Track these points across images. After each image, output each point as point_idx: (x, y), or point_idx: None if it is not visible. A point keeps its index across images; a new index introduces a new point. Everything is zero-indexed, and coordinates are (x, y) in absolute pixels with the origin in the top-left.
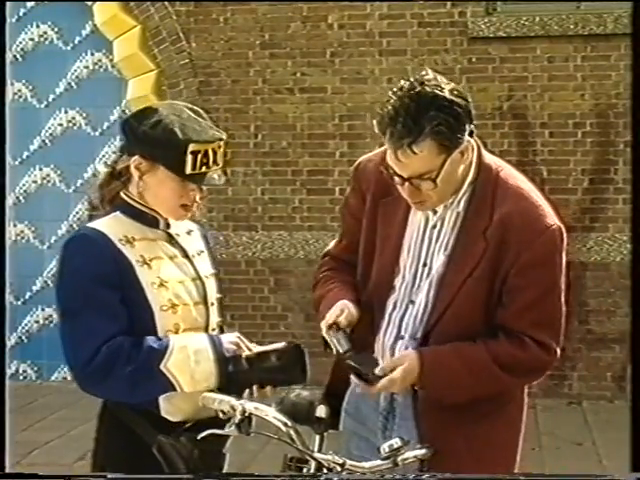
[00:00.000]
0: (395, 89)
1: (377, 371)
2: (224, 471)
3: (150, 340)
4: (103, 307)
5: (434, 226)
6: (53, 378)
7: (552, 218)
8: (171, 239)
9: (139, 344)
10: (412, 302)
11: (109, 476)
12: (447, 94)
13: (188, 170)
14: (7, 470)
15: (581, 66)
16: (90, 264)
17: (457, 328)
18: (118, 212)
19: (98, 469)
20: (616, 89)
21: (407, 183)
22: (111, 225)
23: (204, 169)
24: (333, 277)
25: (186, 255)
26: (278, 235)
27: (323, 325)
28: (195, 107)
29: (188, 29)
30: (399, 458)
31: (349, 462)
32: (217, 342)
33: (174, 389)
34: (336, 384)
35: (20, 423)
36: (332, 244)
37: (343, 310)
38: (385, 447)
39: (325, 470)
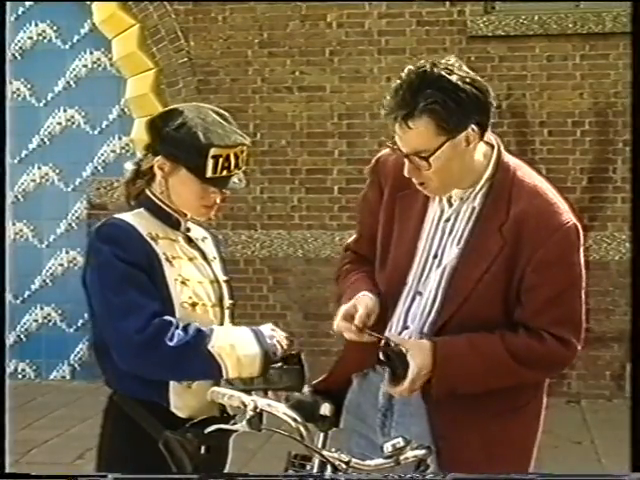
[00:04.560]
0: (412, 67)
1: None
2: (226, 467)
3: (194, 324)
4: (144, 286)
5: (448, 219)
6: (52, 377)
7: (567, 216)
8: (190, 241)
9: (185, 326)
10: (419, 293)
11: (111, 476)
12: (454, 78)
13: (209, 174)
14: (7, 469)
15: (580, 65)
16: (124, 250)
17: (474, 322)
18: (142, 209)
19: (103, 464)
20: (615, 88)
21: (407, 160)
22: (138, 220)
23: (225, 173)
24: (353, 269)
25: (205, 258)
26: (277, 234)
27: (339, 323)
28: (222, 111)
29: (187, 28)
30: (401, 457)
31: (354, 460)
32: (259, 332)
33: (219, 373)
34: (339, 382)
35: (19, 422)
36: (351, 239)
37: (357, 307)
38: (388, 446)
39: (329, 467)
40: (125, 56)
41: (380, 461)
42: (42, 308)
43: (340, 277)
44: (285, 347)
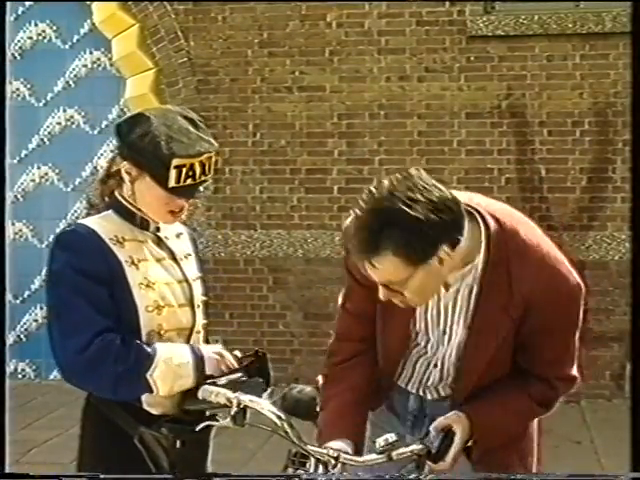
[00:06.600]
0: (370, 193)
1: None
2: (209, 460)
3: (138, 343)
4: (94, 300)
5: (447, 301)
6: (52, 377)
7: (571, 280)
8: (160, 242)
9: (128, 345)
10: (435, 365)
11: (101, 476)
12: (417, 211)
13: (172, 184)
14: (7, 469)
15: (580, 65)
16: (80, 259)
17: (496, 379)
18: (111, 211)
19: (84, 463)
20: (614, 88)
21: (381, 286)
22: (102, 224)
23: (189, 182)
24: (341, 394)
25: (174, 258)
26: (277, 234)
27: None
28: (191, 115)
29: (186, 28)
30: (394, 453)
31: (343, 455)
32: (199, 357)
33: (151, 393)
34: None
35: (19, 422)
36: (346, 319)
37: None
38: (380, 441)
39: (316, 463)
40: (125, 56)
41: (372, 456)
42: (42, 308)
43: (327, 381)
44: (230, 369)
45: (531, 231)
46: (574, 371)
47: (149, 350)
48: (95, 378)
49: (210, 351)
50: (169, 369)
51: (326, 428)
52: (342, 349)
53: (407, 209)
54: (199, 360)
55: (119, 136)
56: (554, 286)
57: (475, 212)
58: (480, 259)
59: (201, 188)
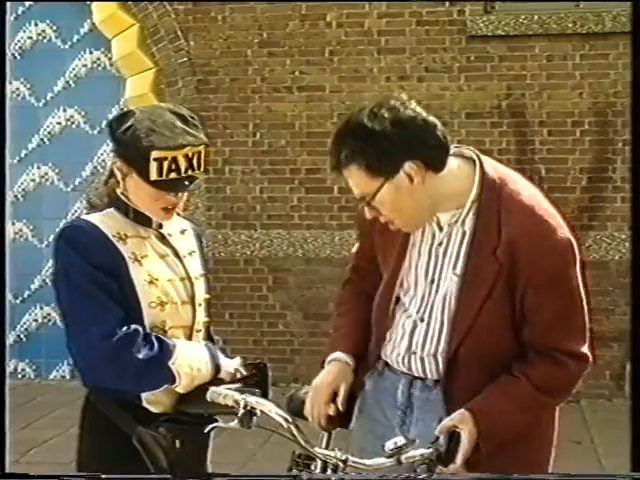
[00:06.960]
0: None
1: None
2: (208, 460)
3: (157, 337)
4: (110, 290)
5: (440, 243)
6: (52, 377)
7: (560, 232)
8: (163, 238)
9: (149, 336)
10: (422, 320)
11: (103, 476)
12: (376, 124)
13: (153, 177)
14: (7, 469)
15: (580, 65)
16: (89, 252)
17: (486, 343)
18: (112, 209)
19: (83, 463)
20: (614, 88)
21: (362, 203)
22: (105, 221)
23: (173, 175)
24: (348, 313)
25: (177, 255)
26: (277, 234)
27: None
28: (182, 111)
29: (186, 27)
30: (403, 456)
31: (351, 458)
32: (215, 357)
33: (171, 385)
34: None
35: (19, 422)
36: (356, 247)
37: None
38: (389, 445)
39: (323, 466)
40: (125, 56)
41: (380, 460)
42: (42, 308)
43: (338, 313)
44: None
45: (527, 185)
46: (584, 348)
47: (170, 342)
48: (120, 365)
49: (228, 363)
50: (190, 361)
51: (333, 342)
52: (355, 269)
53: (366, 121)
54: (215, 360)
55: (110, 133)
56: (540, 235)
57: (474, 156)
58: (472, 200)
59: (187, 182)
